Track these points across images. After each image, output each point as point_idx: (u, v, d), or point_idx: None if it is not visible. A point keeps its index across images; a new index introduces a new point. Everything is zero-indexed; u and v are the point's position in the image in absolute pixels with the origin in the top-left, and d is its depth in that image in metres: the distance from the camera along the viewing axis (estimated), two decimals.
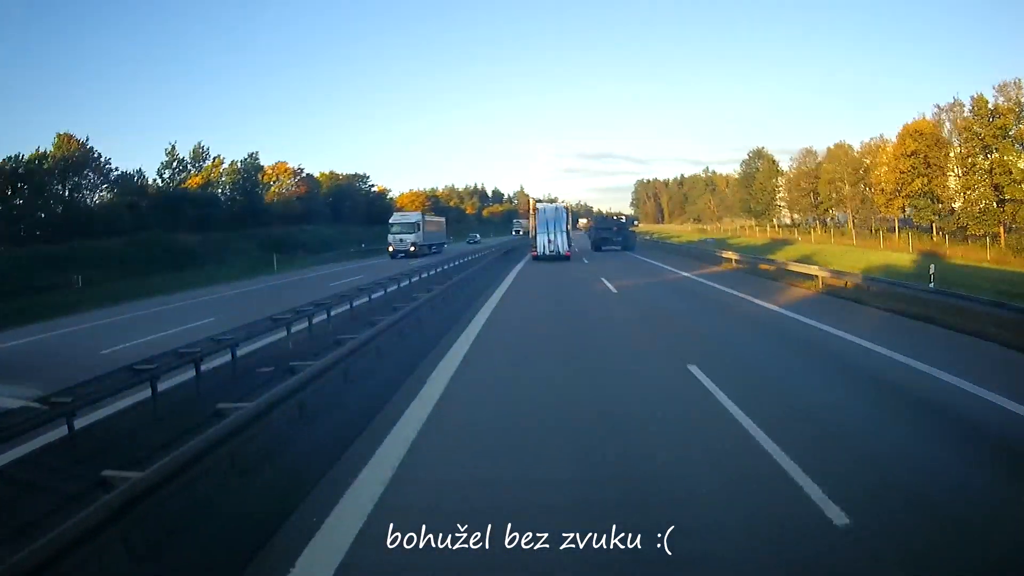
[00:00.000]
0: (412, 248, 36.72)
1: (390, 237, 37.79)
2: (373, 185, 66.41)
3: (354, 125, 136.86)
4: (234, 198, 46.86)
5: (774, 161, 62.11)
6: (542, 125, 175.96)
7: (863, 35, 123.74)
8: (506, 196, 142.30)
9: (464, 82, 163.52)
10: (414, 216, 40.33)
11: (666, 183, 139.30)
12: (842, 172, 50.42)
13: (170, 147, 41.53)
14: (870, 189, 45.91)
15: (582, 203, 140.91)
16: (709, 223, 74.02)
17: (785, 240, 46.43)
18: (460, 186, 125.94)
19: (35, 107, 64.02)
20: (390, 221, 39.73)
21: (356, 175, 63.70)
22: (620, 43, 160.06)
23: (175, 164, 41.49)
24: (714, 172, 77.83)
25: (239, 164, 46.63)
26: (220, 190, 45.70)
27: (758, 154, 63.45)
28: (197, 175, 43.82)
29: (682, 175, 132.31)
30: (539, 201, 34.32)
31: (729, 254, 23.76)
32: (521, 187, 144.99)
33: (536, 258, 28.68)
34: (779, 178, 61.39)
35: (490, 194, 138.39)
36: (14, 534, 3.25)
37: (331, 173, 61.42)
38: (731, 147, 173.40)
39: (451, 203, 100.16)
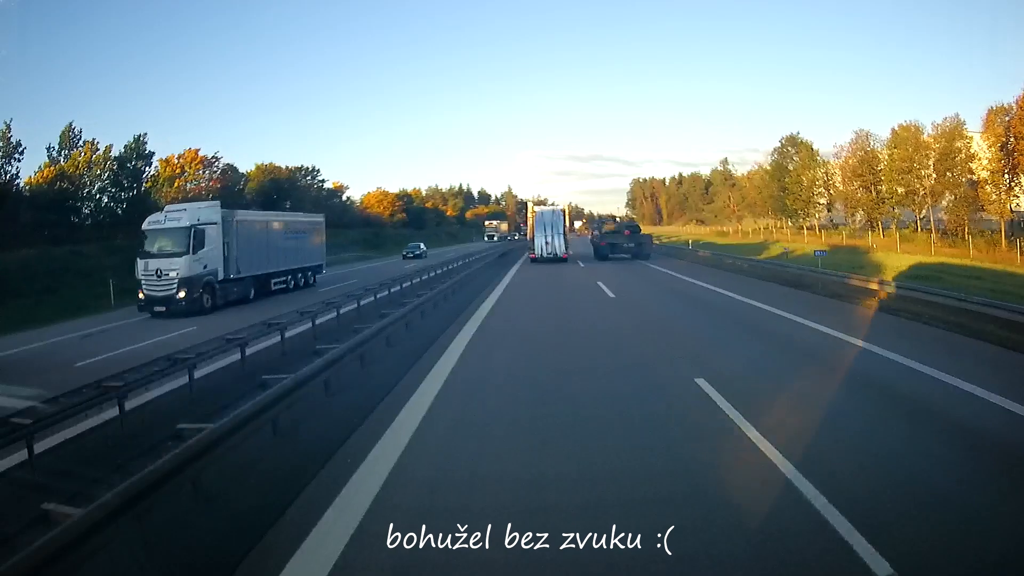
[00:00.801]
0: (180, 293, 16.83)
1: (139, 266, 17.58)
2: (324, 180, 53.90)
3: (340, 128, 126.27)
4: (113, 195, 34.42)
5: (811, 149, 50.83)
6: (531, 127, 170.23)
7: (855, 33, 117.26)
8: (493, 197, 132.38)
9: (451, 83, 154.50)
10: (195, 211, 18.32)
11: (663, 182, 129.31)
12: (919, 159, 39.22)
13: (4, 127, 28.95)
14: (966, 180, 34.73)
15: (573, 205, 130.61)
16: (727, 223, 61.94)
17: (855, 247, 35.05)
18: (445, 187, 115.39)
19: None
20: (143, 227, 18.22)
21: (301, 168, 51.32)
22: (610, 45, 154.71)
23: (8, 149, 28.88)
24: (729, 166, 65.78)
25: (121, 151, 34.13)
26: (90, 186, 33.19)
27: (792, 141, 52.07)
28: (52, 166, 31.37)
29: (680, 174, 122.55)
30: (536, 204, 32.95)
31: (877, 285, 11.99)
32: (509, 187, 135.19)
33: (535, 260, 28.42)
34: (819, 169, 50.11)
35: (476, 195, 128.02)
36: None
37: (269, 165, 48.96)
38: (723, 148, 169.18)
39: (428, 204, 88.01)
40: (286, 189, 47.54)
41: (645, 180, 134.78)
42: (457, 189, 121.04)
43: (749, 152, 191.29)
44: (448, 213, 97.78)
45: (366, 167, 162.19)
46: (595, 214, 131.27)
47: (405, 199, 73.43)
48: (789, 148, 52.09)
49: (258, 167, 46.84)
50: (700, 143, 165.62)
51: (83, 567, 2.67)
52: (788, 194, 49.75)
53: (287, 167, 49.20)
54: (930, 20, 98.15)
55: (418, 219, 76.60)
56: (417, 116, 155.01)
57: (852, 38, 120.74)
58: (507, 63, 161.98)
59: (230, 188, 41.67)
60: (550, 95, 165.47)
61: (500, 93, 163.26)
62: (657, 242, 44.65)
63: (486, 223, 77.97)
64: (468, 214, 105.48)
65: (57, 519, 3.12)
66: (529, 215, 30.17)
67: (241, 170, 46.02)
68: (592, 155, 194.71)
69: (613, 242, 31.45)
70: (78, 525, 2.67)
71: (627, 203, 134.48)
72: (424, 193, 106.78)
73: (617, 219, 39.10)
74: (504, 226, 76.05)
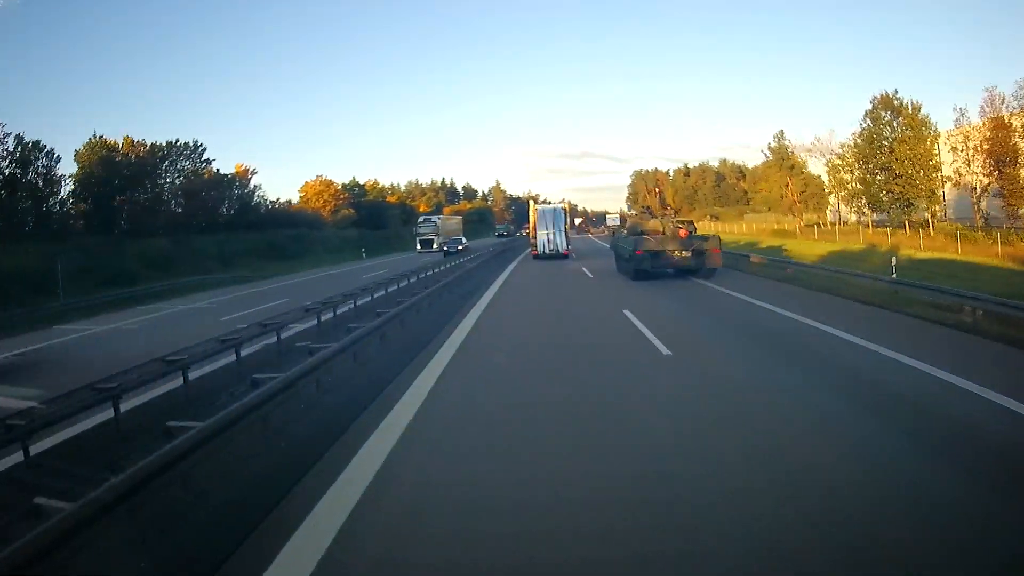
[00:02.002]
0: None
1: None
2: (210, 160, 36.84)
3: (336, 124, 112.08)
4: None
5: (919, 114, 34.92)
6: (522, 124, 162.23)
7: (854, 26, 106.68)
8: (480, 193, 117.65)
9: (440, 82, 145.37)
10: None
11: (668, 174, 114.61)
12: None
13: None
14: None
15: (566, 202, 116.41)
16: (785, 217, 45.43)
17: None
18: (426, 183, 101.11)
19: None
20: None
21: (174, 145, 34.63)
22: (600, 43, 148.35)
23: None
24: (785, 141, 48.01)
25: None
26: None
27: (887, 104, 36.05)
28: None
29: (686, 165, 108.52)
30: (533, 202, 33.65)
31: None
32: (497, 182, 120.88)
33: (536, 257, 28.53)
34: (929, 142, 34.32)
35: (461, 190, 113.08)
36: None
37: (127, 140, 32.36)
38: (717, 144, 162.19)
39: (390, 199, 71.61)
40: (134, 175, 31.08)
41: (648, 172, 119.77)
42: (439, 184, 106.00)
43: (741, 148, 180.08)
44: (420, 210, 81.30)
45: (347, 164, 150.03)
46: (588, 211, 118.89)
47: (355, 191, 56.87)
48: (882, 112, 36.18)
49: (89, 144, 30.28)
50: (692, 139, 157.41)
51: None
52: (890, 177, 33.93)
53: (142, 142, 32.60)
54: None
55: (375, 216, 60.33)
56: (407, 114, 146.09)
57: (851, 30, 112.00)
58: (500, 61, 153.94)
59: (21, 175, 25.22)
60: (540, 92, 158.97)
61: (490, 91, 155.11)
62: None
63: (420, 219, 47.53)
64: (446, 211, 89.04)
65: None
66: (531, 213, 30.74)
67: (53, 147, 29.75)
68: (583, 152, 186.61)
69: (656, 250, 17.18)
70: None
71: (627, 197, 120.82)
72: (403, 188, 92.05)
73: (651, 212, 23.74)
74: (452, 224, 50.54)
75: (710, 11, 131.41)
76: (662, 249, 17.46)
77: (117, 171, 30.51)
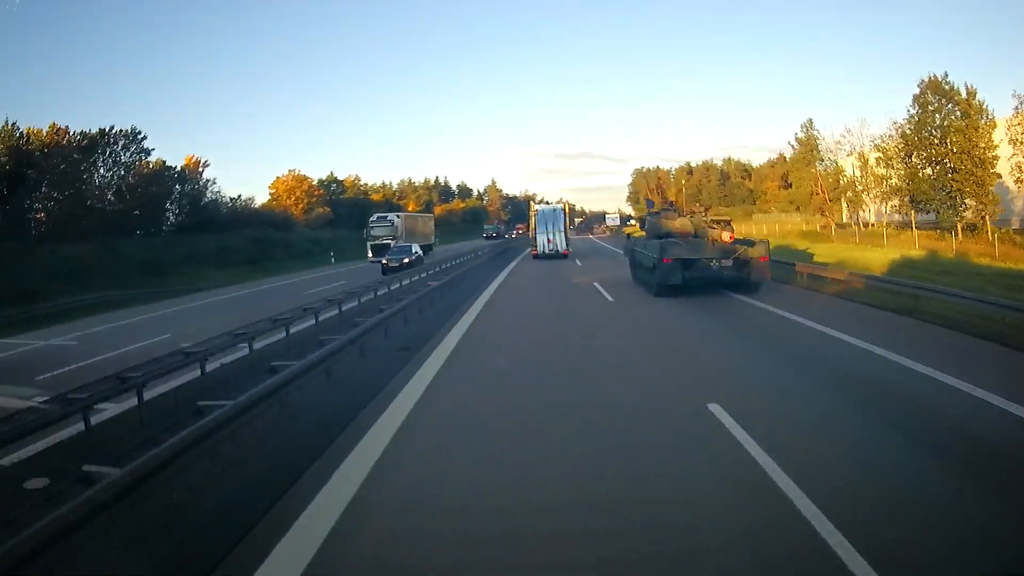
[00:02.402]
0: None
1: None
2: (150, 150, 31.48)
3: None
4: None
5: (975, 100, 30.12)
6: (519, 124, 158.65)
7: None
8: (476, 192, 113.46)
9: (439, 82, 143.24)
10: None
11: (670, 172, 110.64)
12: None
13: None
14: None
15: (565, 203, 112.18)
16: (814, 215, 40.31)
17: None
18: (420, 181, 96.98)
19: None
20: None
21: (106, 133, 29.54)
22: (598, 42, 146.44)
23: None
24: (814, 131, 41.81)
25: None
26: None
27: (936, 88, 31.19)
28: None
29: (689, 163, 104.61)
30: (537, 203, 33.74)
31: None
32: (493, 180, 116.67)
33: (536, 256, 28.89)
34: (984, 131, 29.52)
35: (455, 188, 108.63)
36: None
37: (52, 128, 27.36)
38: (715, 144, 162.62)
39: (374, 196, 66.54)
40: (55, 169, 26.11)
41: (649, 170, 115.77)
42: (433, 183, 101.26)
43: (740, 148, 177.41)
44: (409, 208, 76.18)
45: (344, 166, 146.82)
46: (587, 211, 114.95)
47: (331, 188, 51.79)
48: (931, 96, 31.31)
49: (2, 131, 25.30)
50: (691, 139, 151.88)
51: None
52: (944, 171, 29.10)
53: (65, 130, 27.53)
54: None
55: (355, 216, 55.19)
56: (404, 113, 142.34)
57: (852, 28, 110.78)
58: (499, 61, 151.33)
59: None
60: (538, 92, 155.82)
61: (488, 90, 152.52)
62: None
63: (373, 218, 34.79)
64: (437, 209, 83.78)
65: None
66: (530, 214, 30.44)
67: None
68: (581, 152, 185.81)
69: (689, 258, 13.44)
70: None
71: (628, 197, 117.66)
72: (395, 187, 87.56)
73: (675, 207, 19.22)
74: (420, 225, 40.27)
75: (710, 11, 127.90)
76: (696, 257, 13.43)
77: (33, 164, 25.54)
